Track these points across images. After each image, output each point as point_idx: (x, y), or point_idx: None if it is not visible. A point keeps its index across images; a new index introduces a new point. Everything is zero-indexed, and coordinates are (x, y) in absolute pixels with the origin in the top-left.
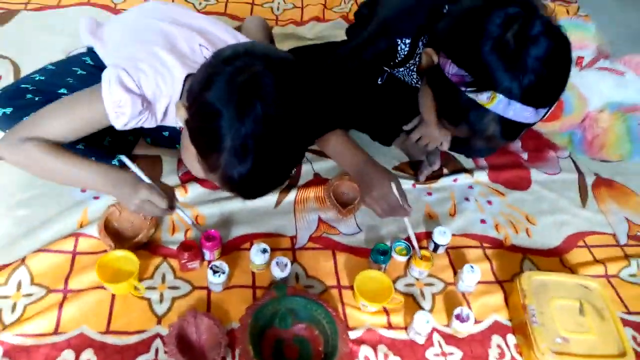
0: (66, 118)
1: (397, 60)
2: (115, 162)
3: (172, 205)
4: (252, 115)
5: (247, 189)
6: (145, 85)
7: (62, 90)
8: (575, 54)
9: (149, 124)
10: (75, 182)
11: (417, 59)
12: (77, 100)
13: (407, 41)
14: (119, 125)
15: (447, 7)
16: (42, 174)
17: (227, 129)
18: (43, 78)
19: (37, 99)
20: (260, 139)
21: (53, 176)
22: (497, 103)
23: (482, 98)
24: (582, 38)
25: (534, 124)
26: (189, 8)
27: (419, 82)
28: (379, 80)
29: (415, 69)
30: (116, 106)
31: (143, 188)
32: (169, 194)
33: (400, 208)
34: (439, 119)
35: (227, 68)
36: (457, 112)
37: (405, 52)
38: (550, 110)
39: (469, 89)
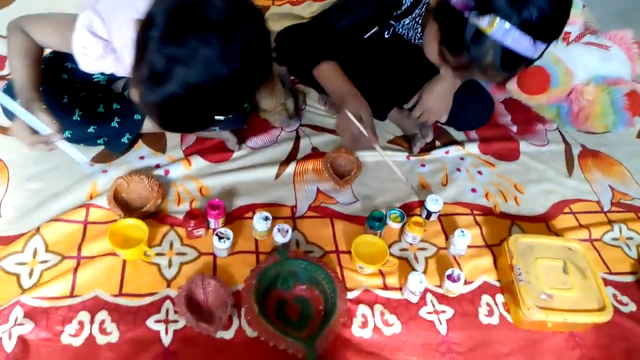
0: (48, 34)
1: (402, 9)
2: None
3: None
4: (184, 44)
5: (162, 115)
6: (115, 33)
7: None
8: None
9: (119, 71)
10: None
11: (423, 9)
12: (59, 24)
13: None
14: (83, 65)
15: None
16: (9, 59)
17: (154, 44)
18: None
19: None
20: (183, 73)
21: (10, 63)
22: (496, 28)
23: (483, 23)
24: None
25: (531, 60)
26: None
27: (422, 39)
28: (385, 33)
29: (420, 21)
30: (81, 47)
31: (17, 121)
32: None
33: (363, 137)
34: (440, 51)
35: None
36: (459, 40)
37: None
38: (547, 48)
39: (471, 13)
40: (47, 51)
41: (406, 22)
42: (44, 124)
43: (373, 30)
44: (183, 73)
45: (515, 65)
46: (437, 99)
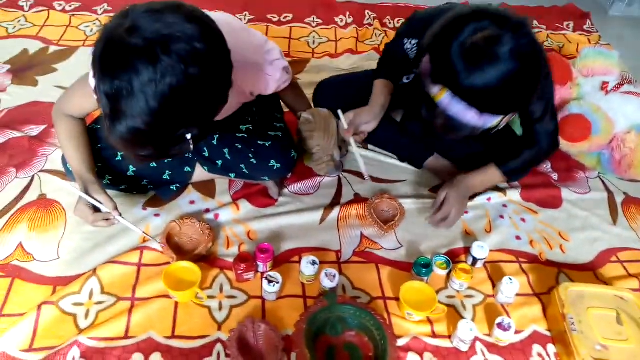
0: (78, 101)
1: (410, 59)
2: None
3: (107, 219)
4: (116, 79)
5: (133, 149)
6: None
7: None
8: (600, 80)
9: None
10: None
11: None
12: (83, 85)
13: (414, 42)
14: None
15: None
16: (60, 145)
17: (97, 88)
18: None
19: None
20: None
21: (64, 152)
22: (443, 98)
23: (434, 90)
24: (606, 65)
25: (482, 129)
26: None
27: None
28: (405, 79)
29: None
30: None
31: (79, 204)
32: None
33: (342, 129)
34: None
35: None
36: (421, 101)
37: (414, 52)
38: (504, 119)
39: (427, 80)
40: None
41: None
42: (101, 204)
43: (406, 79)
44: (129, 106)
45: (461, 132)
46: (463, 200)
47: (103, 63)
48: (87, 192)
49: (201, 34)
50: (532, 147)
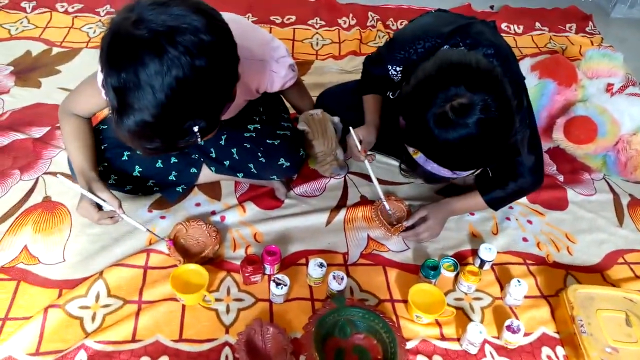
0: (86, 99)
1: (395, 82)
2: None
3: (112, 217)
4: (123, 72)
5: (142, 142)
6: None
7: None
8: (605, 81)
9: None
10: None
11: None
12: (91, 83)
13: (398, 69)
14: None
15: (445, 48)
16: (65, 143)
17: (105, 81)
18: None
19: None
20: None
21: (68, 150)
22: (419, 156)
23: (410, 149)
24: (611, 66)
25: (460, 177)
26: None
27: None
28: (390, 94)
29: None
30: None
31: (82, 201)
32: (104, 211)
33: (355, 149)
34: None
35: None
36: (403, 153)
37: (399, 77)
38: (475, 172)
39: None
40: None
41: None
42: (105, 201)
43: (389, 93)
44: (136, 99)
45: (440, 181)
46: (440, 223)
47: (110, 56)
48: (90, 190)
49: (207, 25)
50: (516, 179)
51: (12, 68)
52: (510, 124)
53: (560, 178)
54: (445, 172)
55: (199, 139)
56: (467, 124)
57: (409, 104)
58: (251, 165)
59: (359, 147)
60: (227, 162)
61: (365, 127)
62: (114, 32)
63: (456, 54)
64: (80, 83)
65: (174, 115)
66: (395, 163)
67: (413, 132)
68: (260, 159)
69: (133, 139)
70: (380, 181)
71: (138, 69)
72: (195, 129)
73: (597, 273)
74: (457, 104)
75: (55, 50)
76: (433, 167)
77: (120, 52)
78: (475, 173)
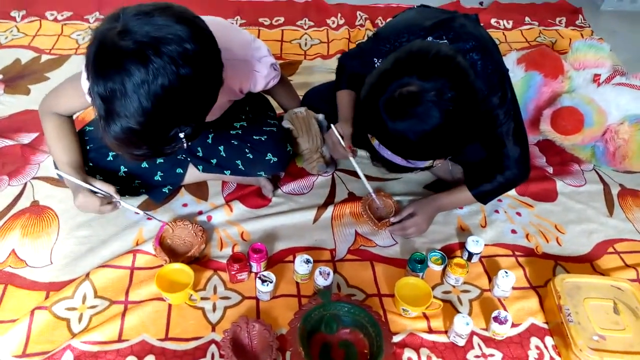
0: (68, 100)
1: None
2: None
3: (110, 202)
4: (110, 81)
5: (127, 148)
6: None
7: None
8: (592, 72)
9: None
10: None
11: None
12: (73, 84)
13: None
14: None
15: (430, 38)
16: (48, 143)
17: (91, 90)
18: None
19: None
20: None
21: (50, 150)
22: (375, 142)
23: (369, 135)
24: (598, 57)
25: (418, 167)
26: None
27: None
28: None
29: None
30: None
31: (79, 194)
32: (105, 197)
33: (340, 146)
34: None
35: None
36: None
37: None
38: (436, 161)
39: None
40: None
41: None
42: (103, 190)
43: None
44: (122, 107)
45: (397, 169)
46: (428, 219)
47: (96, 66)
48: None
49: (191, 34)
50: (503, 172)
51: (1, 76)
52: (470, 114)
53: (550, 170)
54: (398, 160)
55: (184, 145)
56: (416, 113)
57: (366, 91)
58: (239, 162)
59: (343, 143)
60: (214, 161)
61: (342, 123)
62: (100, 42)
63: (418, 44)
64: (62, 82)
65: (160, 122)
66: None
67: (367, 117)
68: (247, 155)
69: (120, 145)
70: (368, 177)
71: (124, 78)
72: (181, 135)
73: (586, 263)
74: (405, 91)
75: (44, 57)
76: (387, 154)
77: (107, 62)
78: (436, 164)
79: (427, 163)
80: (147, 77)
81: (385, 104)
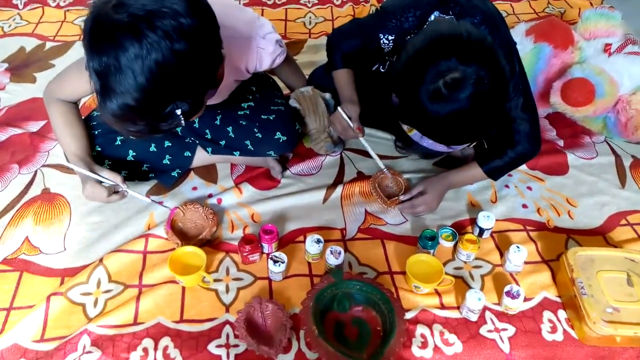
0: (73, 86)
1: (386, 51)
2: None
3: (117, 191)
4: (104, 56)
5: (125, 125)
6: None
7: None
8: (603, 41)
9: None
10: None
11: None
12: (79, 68)
13: (391, 37)
14: None
15: (434, 15)
16: (54, 131)
17: (88, 65)
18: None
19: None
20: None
21: (56, 137)
22: (414, 133)
23: (405, 127)
24: (609, 26)
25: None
26: None
27: None
28: (381, 67)
29: None
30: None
31: (87, 184)
32: (112, 186)
33: (349, 129)
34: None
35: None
36: (397, 130)
37: (390, 47)
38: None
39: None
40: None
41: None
42: (110, 179)
43: (377, 65)
44: (117, 82)
45: (437, 155)
46: (438, 197)
47: (91, 40)
48: (92, 172)
49: (188, 8)
50: (513, 147)
51: (6, 65)
52: (504, 95)
53: (561, 143)
54: (440, 147)
55: (182, 122)
56: (460, 99)
57: (400, 81)
58: (247, 142)
59: (351, 124)
60: (223, 142)
61: (346, 104)
62: (95, 16)
63: (445, 26)
64: (65, 68)
65: (156, 98)
66: (389, 136)
67: (407, 109)
68: (256, 135)
69: (117, 122)
70: (378, 155)
71: (118, 53)
72: (178, 111)
73: (599, 236)
74: (449, 79)
75: (48, 44)
76: (429, 143)
77: (101, 36)
78: (472, 145)
79: (457, 147)
80: (140, 52)
81: (427, 93)
